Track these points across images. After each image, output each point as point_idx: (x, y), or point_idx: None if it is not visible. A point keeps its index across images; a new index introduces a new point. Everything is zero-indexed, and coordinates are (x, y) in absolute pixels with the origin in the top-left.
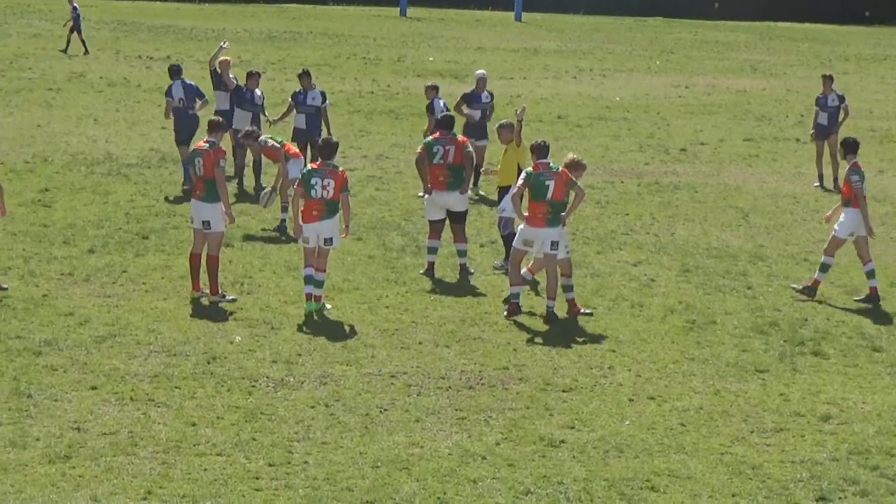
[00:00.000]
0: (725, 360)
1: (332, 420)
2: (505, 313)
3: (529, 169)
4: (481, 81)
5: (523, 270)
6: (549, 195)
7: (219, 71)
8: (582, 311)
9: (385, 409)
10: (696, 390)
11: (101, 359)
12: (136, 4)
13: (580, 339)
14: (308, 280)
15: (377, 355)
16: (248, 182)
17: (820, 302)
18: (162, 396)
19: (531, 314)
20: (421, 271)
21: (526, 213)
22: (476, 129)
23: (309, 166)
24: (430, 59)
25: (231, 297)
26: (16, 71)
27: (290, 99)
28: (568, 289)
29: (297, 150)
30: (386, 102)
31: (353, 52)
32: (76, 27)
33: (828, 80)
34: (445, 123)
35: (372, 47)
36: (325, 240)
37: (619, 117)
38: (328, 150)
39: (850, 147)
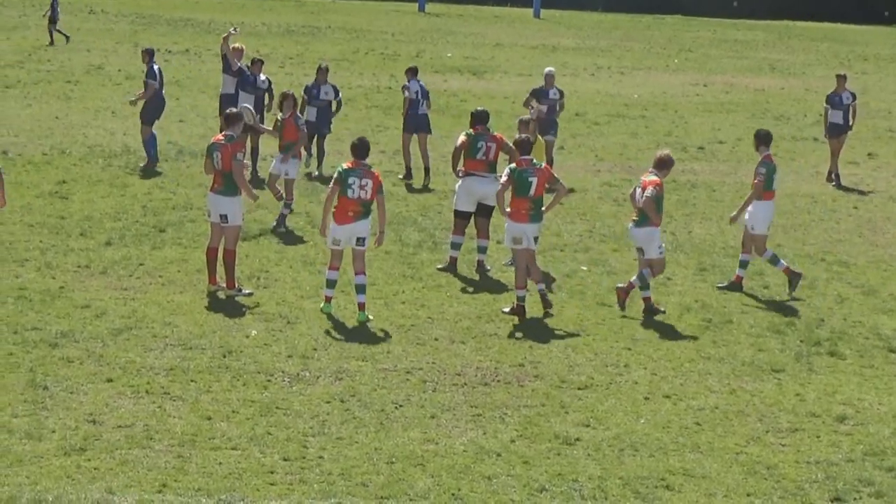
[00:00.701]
0: (741, 360)
1: (348, 415)
2: (506, 309)
3: (514, 165)
4: (549, 78)
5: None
6: (532, 191)
7: (228, 56)
8: (660, 309)
9: (400, 405)
10: (711, 389)
11: (117, 351)
12: None
13: (596, 337)
14: (331, 283)
15: (393, 351)
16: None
17: (839, 301)
18: (177, 390)
19: (547, 313)
20: (440, 266)
21: (509, 209)
22: (544, 125)
23: (343, 165)
24: (449, 54)
25: (248, 292)
26: (34, 63)
27: (302, 93)
28: (646, 287)
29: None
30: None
31: (371, 48)
32: (53, 18)
33: (842, 79)
34: (481, 118)
35: (390, 42)
36: (359, 239)
37: (636, 115)
38: (363, 149)
39: (763, 139)
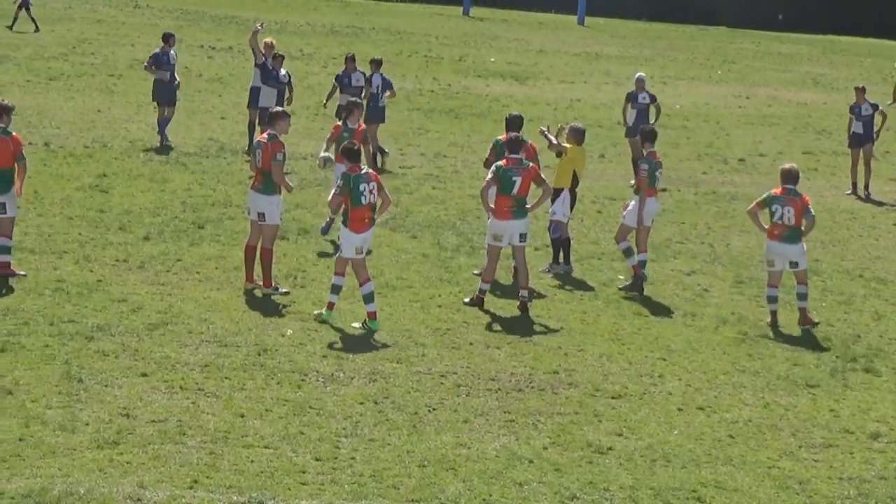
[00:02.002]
0: (776, 374)
1: (381, 417)
2: (466, 300)
3: (500, 163)
4: (640, 82)
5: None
6: (515, 190)
7: (255, 50)
8: (814, 321)
9: (434, 409)
10: (745, 402)
11: (153, 346)
12: None
13: (631, 347)
14: (338, 289)
15: (427, 354)
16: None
17: (876, 319)
18: (211, 386)
19: (583, 320)
20: (476, 272)
21: (493, 206)
22: (635, 128)
23: (347, 171)
24: (492, 59)
25: (284, 290)
26: (79, 56)
27: (334, 81)
28: (802, 297)
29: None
30: (446, 101)
31: (414, 50)
32: (24, 4)
33: (860, 91)
34: (515, 123)
35: (434, 46)
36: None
37: (678, 125)
38: (359, 154)
39: (647, 136)
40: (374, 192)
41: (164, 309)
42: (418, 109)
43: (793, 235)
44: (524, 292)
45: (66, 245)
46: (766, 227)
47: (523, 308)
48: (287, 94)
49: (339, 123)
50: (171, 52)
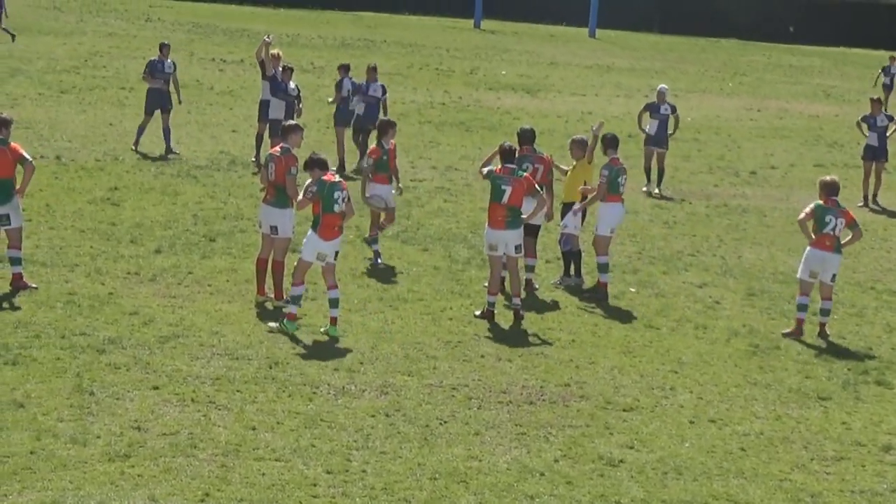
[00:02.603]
0: (788, 386)
1: (392, 430)
2: (477, 313)
3: (494, 169)
4: (661, 94)
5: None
6: (505, 199)
7: (266, 62)
8: (828, 335)
9: (445, 421)
10: (757, 415)
11: (164, 359)
12: (211, 7)
13: (642, 359)
14: (298, 299)
15: (439, 367)
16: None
17: (888, 331)
18: (223, 399)
19: (594, 333)
20: (485, 284)
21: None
22: (657, 138)
23: (322, 178)
24: (503, 72)
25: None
26: (90, 69)
27: (343, 84)
28: (827, 313)
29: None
30: (457, 114)
31: (425, 63)
32: None
33: (876, 103)
34: (528, 137)
35: (445, 58)
36: (337, 254)
37: (689, 138)
38: (326, 164)
39: (609, 143)
40: (346, 201)
41: (175, 322)
42: (429, 122)
43: (839, 247)
44: (517, 300)
45: (77, 258)
46: (814, 237)
47: (517, 317)
48: (297, 106)
49: (376, 146)
50: (168, 60)
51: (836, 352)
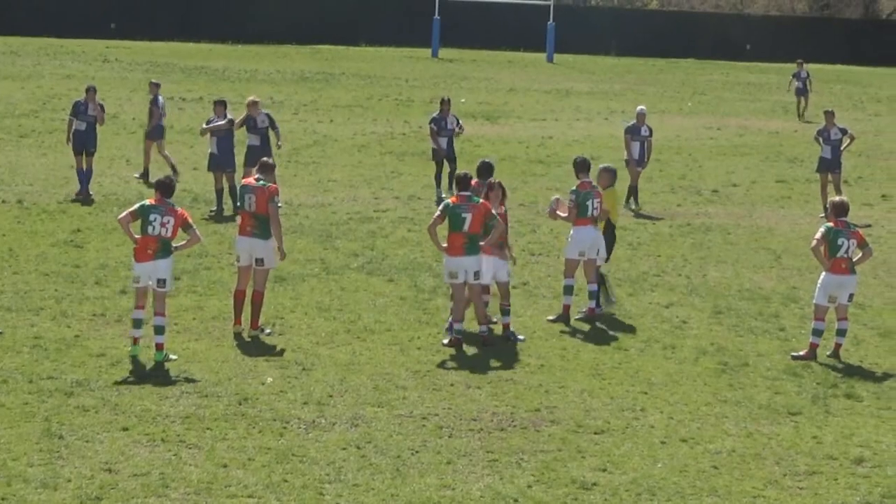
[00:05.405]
0: (758, 403)
1: (364, 462)
2: (445, 342)
3: (449, 201)
4: (641, 116)
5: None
6: (466, 227)
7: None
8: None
9: (416, 451)
10: (728, 433)
11: (133, 399)
12: (168, 45)
13: (612, 381)
14: (137, 323)
15: (409, 397)
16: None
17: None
18: (193, 437)
19: (563, 357)
20: (551, 318)
21: (445, 245)
22: (638, 160)
23: (147, 201)
24: (462, 100)
25: (268, 331)
26: (49, 112)
27: (430, 124)
28: (843, 333)
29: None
30: (418, 143)
31: (385, 94)
32: None
33: (829, 115)
34: (486, 170)
35: (404, 88)
36: (160, 281)
37: (651, 159)
38: (169, 188)
39: (580, 166)
40: (169, 226)
41: (143, 362)
42: (391, 153)
43: (853, 268)
44: (483, 328)
45: (42, 301)
46: (829, 261)
47: (488, 342)
48: (277, 141)
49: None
50: (92, 103)
51: (805, 367)
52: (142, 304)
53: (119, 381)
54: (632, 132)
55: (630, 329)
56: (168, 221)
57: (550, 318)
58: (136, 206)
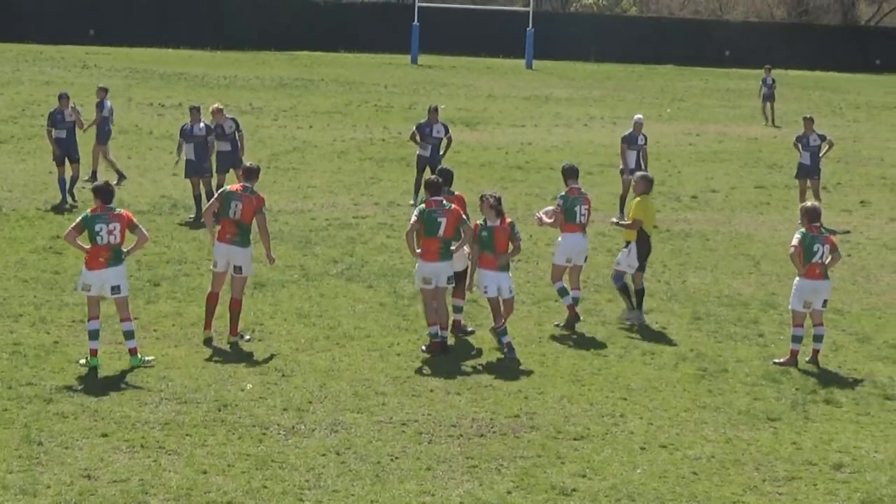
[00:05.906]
0: (737, 409)
1: (343, 468)
2: (424, 347)
3: (423, 206)
4: (638, 125)
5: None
6: (441, 232)
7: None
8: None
9: (396, 457)
10: (707, 438)
11: (112, 406)
12: (148, 51)
13: (591, 387)
14: (94, 335)
15: (388, 403)
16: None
17: (834, 350)
18: (173, 444)
19: (542, 363)
20: (558, 323)
21: (419, 250)
22: (634, 170)
23: (87, 212)
24: (442, 106)
25: (248, 338)
26: (28, 118)
27: (414, 130)
28: (820, 339)
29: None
30: (397, 150)
31: (364, 100)
32: None
33: (808, 121)
34: (447, 177)
35: (383, 95)
36: (113, 288)
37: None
38: (109, 194)
39: (568, 172)
40: (116, 233)
41: (122, 368)
42: (370, 159)
43: (826, 273)
44: (444, 333)
45: (21, 308)
46: (804, 267)
47: (443, 348)
48: (240, 145)
49: (479, 222)
50: (67, 110)
51: (784, 372)
52: (95, 314)
53: (98, 387)
54: (628, 141)
55: (609, 335)
56: (114, 228)
57: (558, 323)
58: (79, 218)
